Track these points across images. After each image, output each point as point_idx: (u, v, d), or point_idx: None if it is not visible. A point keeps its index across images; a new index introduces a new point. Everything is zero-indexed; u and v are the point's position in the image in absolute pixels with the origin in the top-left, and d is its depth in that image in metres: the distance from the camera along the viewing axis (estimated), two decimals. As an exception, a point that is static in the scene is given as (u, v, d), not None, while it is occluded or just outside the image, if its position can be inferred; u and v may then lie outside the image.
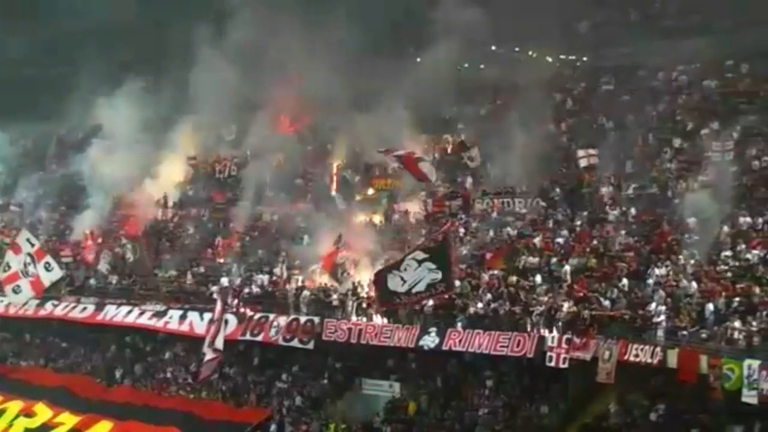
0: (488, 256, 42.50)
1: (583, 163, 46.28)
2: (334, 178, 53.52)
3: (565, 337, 35.91)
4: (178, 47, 57.78)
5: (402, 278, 38.18)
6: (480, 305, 39.12)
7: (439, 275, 38.01)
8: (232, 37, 54.23)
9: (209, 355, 42.74)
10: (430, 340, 39.21)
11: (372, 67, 51.64)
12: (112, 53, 64.56)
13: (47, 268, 52.22)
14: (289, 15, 52.06)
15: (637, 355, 34.05)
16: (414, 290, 38.24)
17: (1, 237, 59.84)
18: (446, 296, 39.31)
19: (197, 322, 45.96)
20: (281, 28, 51.99)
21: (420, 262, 37.94)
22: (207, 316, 44.98)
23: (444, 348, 38.99)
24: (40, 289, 51.91)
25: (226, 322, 44.08)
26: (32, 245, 52.68)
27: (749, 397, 30.72)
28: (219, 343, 42.78)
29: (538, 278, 39.69)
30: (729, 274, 35.14)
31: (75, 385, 48.70)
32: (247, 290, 46.50)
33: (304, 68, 52.52)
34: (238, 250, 51.65)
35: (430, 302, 39.63)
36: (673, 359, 33.17)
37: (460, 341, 38.51)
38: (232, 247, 52.40)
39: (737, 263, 35.74)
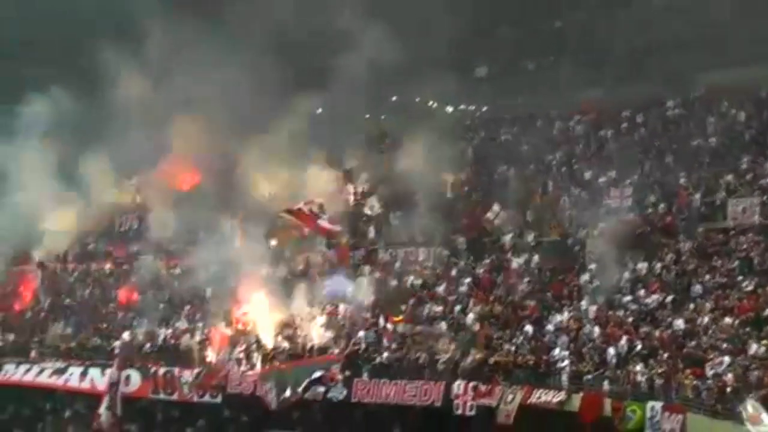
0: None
1: (490, 216, 46.73)
2: (238, 230, 52.91)
3: (471, 384, 36.06)
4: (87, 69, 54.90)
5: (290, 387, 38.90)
6: (386, 354, 39.13)
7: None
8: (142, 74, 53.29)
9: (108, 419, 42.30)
10: (338, 392, 39.04)
11: (273, 117, 51.47)
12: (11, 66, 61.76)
13: None
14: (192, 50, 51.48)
15: (540, 398, 34.47)
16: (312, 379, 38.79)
17: None
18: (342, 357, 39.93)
19: (98, 379, 45.13)
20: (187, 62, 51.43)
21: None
22: (108, 372, 44.13)
23: (353, 400, 38.91)
24: None
25: (128, 378, 43.43)
26: None
27: (652, 438, 31.21)
28: (118, 409, 42.28)
29: (443, 326, 39.81)
30: (630, 319, 35.71)
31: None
32: (149, 345, 45.78)
33: (206, 112, 51.96)
34: (139, 305, 50.88)
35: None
36: (576, 403, 33.63)
37: (367, 392, 38.50)
38: (134, 301, 51.65)
39: (637, 307, 36.33)
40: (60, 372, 46.75)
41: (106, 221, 60.15)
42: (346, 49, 49.19)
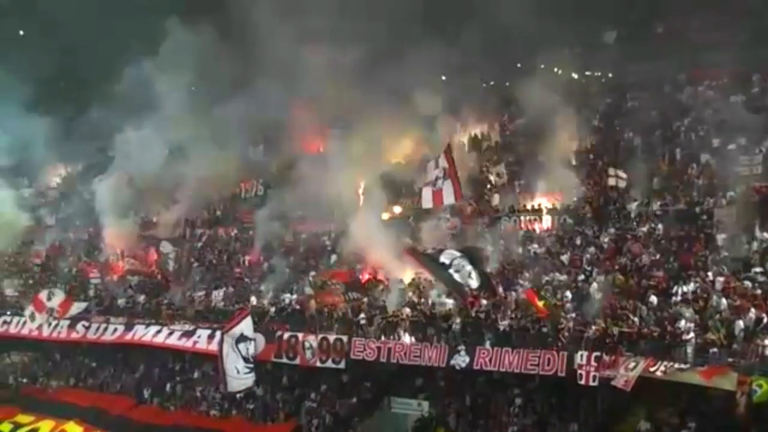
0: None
1: (611, 182, 46.13)
2: (361, 196, 53.22)
3: (594, 354, 35.73)
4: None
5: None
6: (507, 322, 39.08)
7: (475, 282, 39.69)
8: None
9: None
10: (461, 360, 39.06)
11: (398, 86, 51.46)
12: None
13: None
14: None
15: (665, 372, 33.89)
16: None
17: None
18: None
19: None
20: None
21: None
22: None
23: (475, 367, 38.96)
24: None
25: (254, 341, 44.23)
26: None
27: (780, 413, 30.59)
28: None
29: (567, 295, 39.57)
30: (759, 291, 34.88)
31: (105, 404, 48.89)
32: (274, 309, 46.51)
33: (329, 80, 52.16)
34: (265, 270, 51.72)
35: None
36: (700, 376, 33.02)
37: (490, 360, 38.36)
38: (259, 266, 52.52)
39: (766, 279, 35.48)
40: (188, 334, 47.63)
41: (234, 186, 61.16)
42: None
